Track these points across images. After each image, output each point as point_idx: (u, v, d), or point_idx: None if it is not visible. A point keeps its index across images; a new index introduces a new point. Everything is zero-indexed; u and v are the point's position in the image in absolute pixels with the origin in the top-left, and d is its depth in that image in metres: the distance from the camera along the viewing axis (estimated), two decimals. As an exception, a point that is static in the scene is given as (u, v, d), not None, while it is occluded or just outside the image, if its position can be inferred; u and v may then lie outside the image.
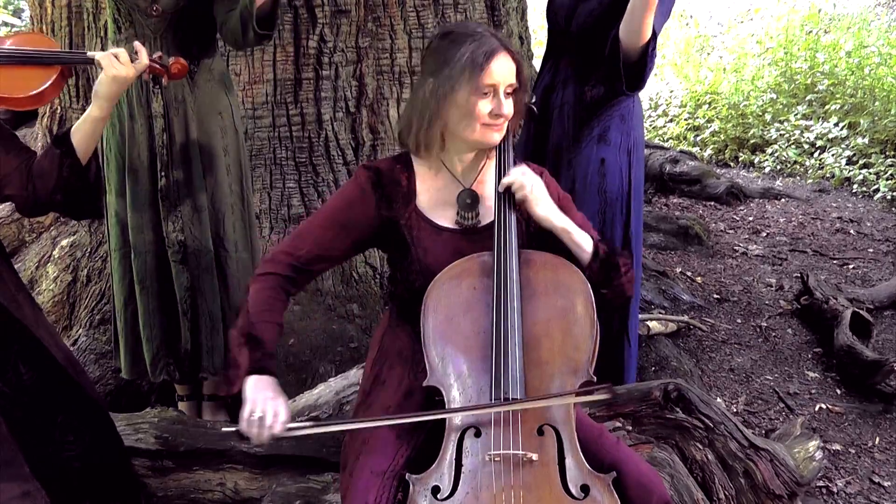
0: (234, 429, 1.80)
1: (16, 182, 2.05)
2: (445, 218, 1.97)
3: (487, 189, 1.97)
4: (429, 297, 1.87)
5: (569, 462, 1.73)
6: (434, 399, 1.84)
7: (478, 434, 1.75)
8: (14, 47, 2.17)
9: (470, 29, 1.88)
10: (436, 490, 1.72)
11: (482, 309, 1.84)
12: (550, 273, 1.87)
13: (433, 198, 1.97)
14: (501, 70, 1.83)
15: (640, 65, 2.49)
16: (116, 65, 2.13)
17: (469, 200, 1.96)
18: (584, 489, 1.70)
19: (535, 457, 1.71)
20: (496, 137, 1.89)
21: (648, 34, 2.42)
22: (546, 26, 2.89)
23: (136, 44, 2.26)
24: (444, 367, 1.82)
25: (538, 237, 2.00)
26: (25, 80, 2.16)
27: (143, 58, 2.23)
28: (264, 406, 1.77)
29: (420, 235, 1.95)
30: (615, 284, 1.93)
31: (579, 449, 1.75)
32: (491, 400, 1.75)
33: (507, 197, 1.90)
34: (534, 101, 2.13)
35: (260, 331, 1.87)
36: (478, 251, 1.91)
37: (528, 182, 1.86)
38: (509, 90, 1.87)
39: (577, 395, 1.79)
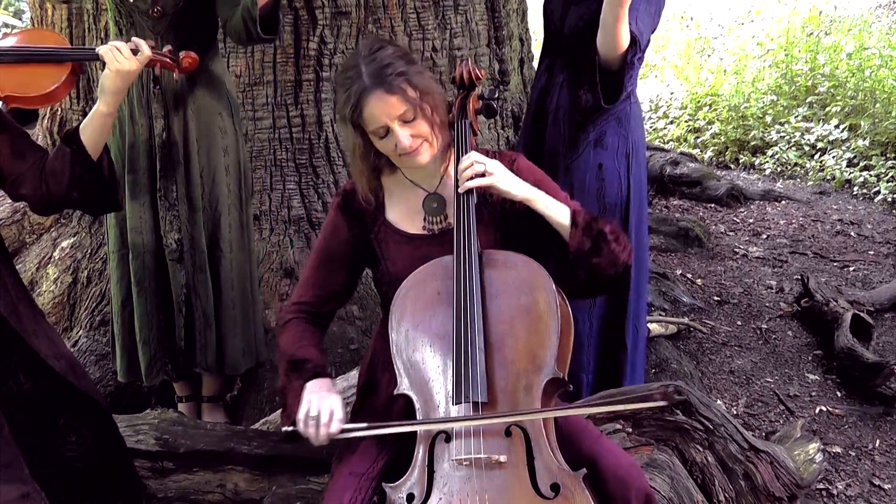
0: (291, 428, 1.80)
1: (30, 181, 2.05)
2: (415, 226, 1.96)
3: (452, 190, 1.94)
4: (395, 306, 1.87)
5: (538, 462, 1.71)
6: (412, 406, 1.83)
7: (448, 439, 1.74)
8: (25, 45, 2.15)
9: (346, 70, 1.82)
10: (410, 498, 1.72)
11: (447, 312, 1.83)
12: (512, 272, 1.86)
13: (402, 208, 1.97)
14: (378, 111, 1.77)
15: (620, 74, 2.44)
16: (119, 58, 2.14)
17: (435, 204, 1.95)
18: (555, 488, 1.68)
19: (503, 458, 1.70)
20: (421, 159, 1.85)
21: (625, 42, 2.36)
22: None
23: (135, 39, 2.26)
24: (413, 375, 1.81)
25: (511, 224, 1.96)
26: (37, 79, 2.15)
27: (145, 50, 2.23)
28: (319, 404, 1.78)
29: (389, 247, 1.95)
30: (605, 251, 1.83)
31: (549, 447, 1.73)
32: (453, 404, 1.75)
33: (466, 196, 1.87)
34: (495, 96, 2.08)
35: (301, 354, 1.92)
36: (445, 255, 1.89)
37: (480, 162, 1.82)
38: (407, 117, 1.79)
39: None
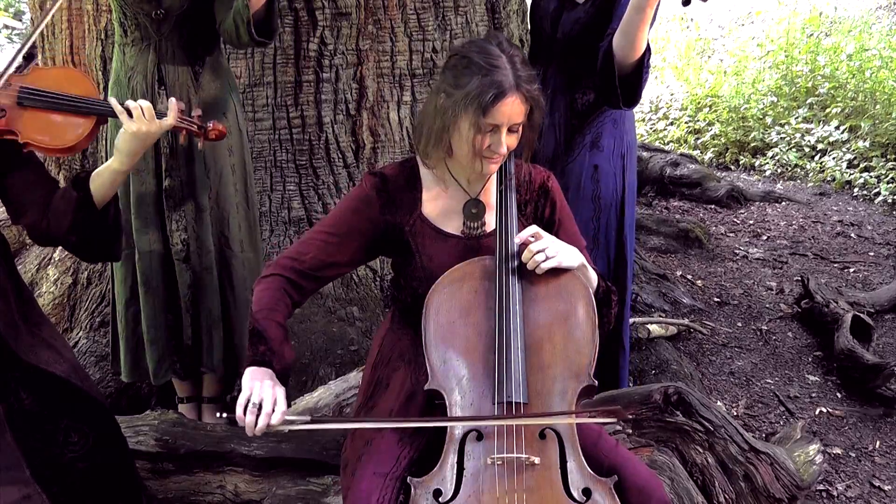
0: (226, 416, 1.72)
1: (34, 212, 2.03)
2: (451, 226, 1.97)
3: (494, 198, 1.96)
4: (430, 301, 1.86)
5: (570, 465, 1.73)
6: (435, 402, 1.83)
7: (479, 437, 1.75)
8: (56, 91, 2.07)
9: (489, 57, 1.79)
10: (437, 493, 1.71)
11: (483, 312, 1.84)
12: (552, 277, 1.86)
13: (439, 206, 1.97)
14: (507, 112, 1.78)
15: (634, 78, 2.43)
16: (139, 118, 2.09)
17: (475, 210, 1.96)
18: (586, 493, 1.70)
19: (537, 460, 1.71)
20: (492, 168, 1.87)
21: (643, 47, 2.36)
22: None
23: (172, 100, 2.21)
24: (446, 371, 1.81)
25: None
26: (61, 130, 2.07)
27: (171, 117, 2.19)
28: (262, 392, 1.71)
29: (424, 242, 1.94)
30: (605, 321, 1.95)
31: (581, 452, 1.75)
32: (493, 403, 1.75)
33: (507, 199, 1.91)
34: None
35: (263, 327, 1.83)
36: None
37: (541, 250, 1.81)
38: (515, 128, 1.82)
39: (582, 414, 1.79)
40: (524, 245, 1.83)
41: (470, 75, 1.78)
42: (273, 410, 1.69)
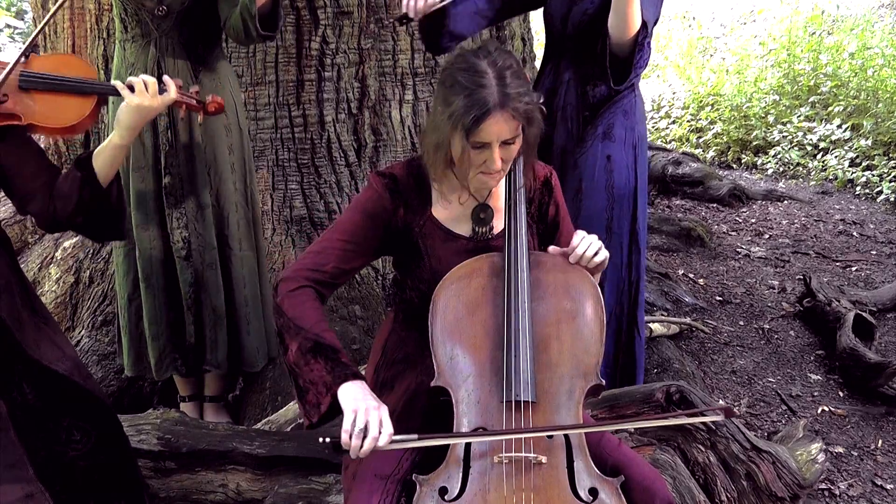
0: (329, 440, 1.65)
1: (40, 200, 2.04)
2: (461, 228, 1.96)
3: (501, 201, 1.95)
4: (437, 297, 1.86)
5: (577, 465, 1.73)
6: (440, 399, 1.83)
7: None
8: (55, 73, 2.11)
9: (474, 75, 1.74)
10: (443, 491, 1.70)
11: (491, 309, 1.83)
12: (560, 275, 1.86)
13: (448, 209, 1.95)
14: (494, 131, 1.73)
15: (631, 57, 2.48)
16: (142, 92, 2.12)
17: (483, 215, 1.95)
18: (593, 492, 1.70)
19: (544, 459, 1.71)
20: (491, 184, 1.87)
21: (636, 25, 2.41)
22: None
23: (166, 78, 2.22)
24: (453, 368, 1.81)
25: (549, 240, 2.02)
26: (62, 110, 2.10)
27: (171, 93, 2.21)
28: (367, 415, 1.65)
29: (434, 244, 1.94)
30: None
31: (588, 452, 1.75)
32: (501, 401, 1.75)
33: (517, 197, 1.91)
34: (541, 100, 2.12)
35: (329, 340, 1.79)
36: None
37: (596, 247, 1.87)
38: (509, 141, 1.78)
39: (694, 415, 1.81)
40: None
41: (455, 94, 1.74)
42: (380, 433, 1.65)
